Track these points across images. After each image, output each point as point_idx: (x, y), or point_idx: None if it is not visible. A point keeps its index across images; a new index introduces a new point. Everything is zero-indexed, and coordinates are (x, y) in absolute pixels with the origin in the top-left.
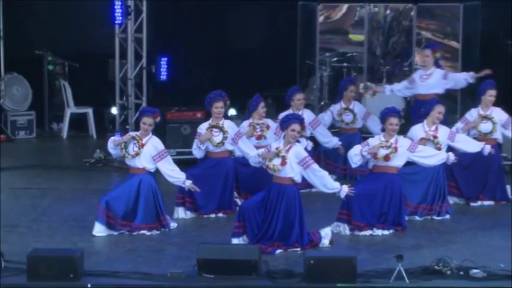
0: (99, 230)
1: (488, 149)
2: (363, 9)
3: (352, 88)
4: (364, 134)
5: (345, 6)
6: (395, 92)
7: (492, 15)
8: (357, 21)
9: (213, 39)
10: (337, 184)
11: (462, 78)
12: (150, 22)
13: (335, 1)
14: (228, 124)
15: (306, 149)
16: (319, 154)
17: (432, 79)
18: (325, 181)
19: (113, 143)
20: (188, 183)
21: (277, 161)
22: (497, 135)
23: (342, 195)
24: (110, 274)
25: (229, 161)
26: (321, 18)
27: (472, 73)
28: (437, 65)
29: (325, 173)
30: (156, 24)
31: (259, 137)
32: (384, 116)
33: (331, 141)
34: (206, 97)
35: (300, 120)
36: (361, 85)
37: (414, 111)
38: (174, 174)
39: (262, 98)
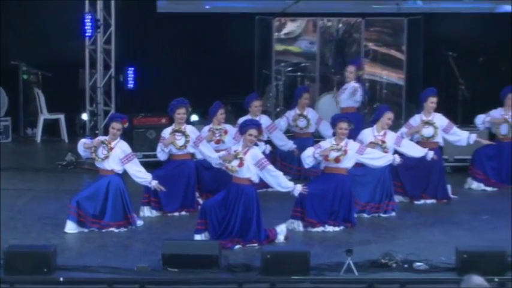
0: (71, 227)
1: (431, 154)
2: (317, 23)
3: (306, 95)
4: (316, 138)
5: (299, 20)
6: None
7: (434, 28)
8: (310, 34)
9: (176, 51)
10: (291, 183)
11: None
12: (118, 34)
13: (289, 16)
14: (189, 129)
15: (264, 152)
16: (276, 156)
17: (345, 94)
18: (279, 180)
19: (82, 146)
20: (154, 183)
21: (235, 163)
22: (439, 139)
23: (296, 193)
24: (80, 268)
25: (191, 163)
26: (277, 31)
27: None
28: (358, 80)
29: (280, 173)
30: (124, 36)
31: (217, 141)
32: (335, 121)
33: (286, 144)
34: (169, 104)
35: (257, 125)
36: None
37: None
38: (141, 175)
39: (221, 105)
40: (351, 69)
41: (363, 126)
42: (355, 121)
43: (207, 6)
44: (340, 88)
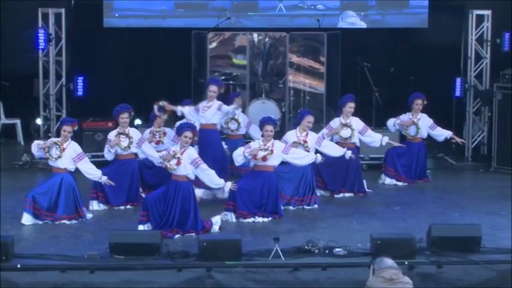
0: (27, 219)
1: (349, 154)
2: (246, 37)
3: (236, 100)
4: (247, 140)
5: (231, 34)
6: (184, 113)
7: (351, 42)
8: (241, 47)
9: (121, 62)
10: (222, 180)
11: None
12: (68, 47)
13: (222, 30)
14: (132, 131)
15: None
16: None
17: (210, 111)
18: (211, 178)
19: (37, 146)
20: (104, 179)
21: (174, 162)
22: (355, 140)
23: (226, 189)
24: (36, 256)
25: (134, 161)
26: (211, 44)
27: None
28: (217, 98)
29: (212, 172)
30: (74, 49)
31: (157, 142)
32: (262, 124)
33: None
34: (114, 109)
35: (191, 128)
36: (155, 107)
37: (198, 140)
38: (92, 172)
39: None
40: (213, 88)
41: (220, 143)
42: (214, 138)
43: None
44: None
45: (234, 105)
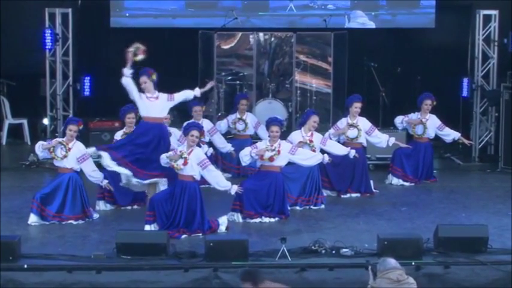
0: (34, 220)
1: (353, 153)
2: (252, 37)
3: (243, 102)
4: (254, 140)
5: (239, 34)
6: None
7: (357, 42)
8: (248, 47)
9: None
10: (228, 183)
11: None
12: (75, 47)
13: (228, 30)
14: None
15: (206, 154)
16: (218, 156)
17: (159, 101)
18: (218, 180)
19: (41, 147)
20: (105, 183)
21: (180, 162)
22: (362, 140)
23: (232, 192)
24: (42, 256)
25: None
26: (218, 44)
27: None
28: (156, 87)
29: (219, 173)
30: (80, 49)
31: None
32: (268, 124)
33: (225, 147)
34: (120, 109)
35: (198, 127)
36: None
37: (134, 131)
38: (95, 175)
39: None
40: (144, 79)
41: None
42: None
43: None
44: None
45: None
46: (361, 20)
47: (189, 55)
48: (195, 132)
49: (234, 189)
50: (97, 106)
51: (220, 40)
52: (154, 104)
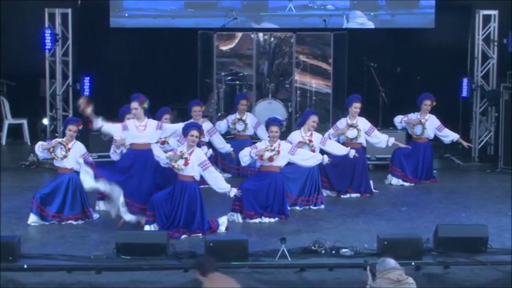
0: (34, 220)
1: (352, 152)
2: (252, 37)
3: (242, 102)
4: (254, 140)
5: (238, 35)
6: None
7: (357, 42)
8: (248, 47)
9: (127, 62)
10: (227, 185)
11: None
12: (75, 47)
13: (228, 30)
14: None
15: (205, 155)
16: (217, 156)
17: (148, 130)
18: (217, 181)
19: (41, 147)
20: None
21: (181, 162)
22: (362, 140)
23: (231, 194)
24: (42, 256)
25: None
26: (217, 44)
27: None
28: (147, 115)
29: (219, 175)
30: (80, 49)
31: (162, 143)
32: (267, 124)
33: (224, 147)
34: (120, 109)
35: (197, 127)
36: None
37: (118, 161)
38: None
39: (167, 110)
40: (135, 105)
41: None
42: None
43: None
44: None
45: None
46: (360, 20)
47: (189, 55)
48: (195, 132)
49: (233, 192)
50: (97, 106)
51: (219, 40)
52: (142, 134)
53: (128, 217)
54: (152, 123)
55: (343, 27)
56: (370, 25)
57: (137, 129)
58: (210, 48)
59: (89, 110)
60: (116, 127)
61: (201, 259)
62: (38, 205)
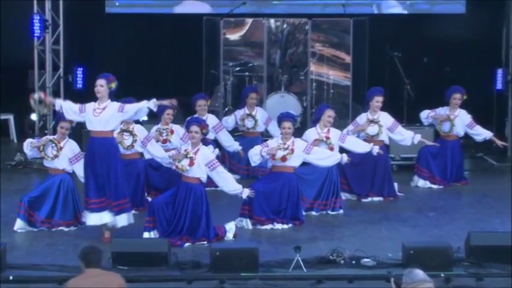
0: (21, 226)
1: (376, 149)
2: (263, 24)
3: (252, 95)
4: (265, 137)
5: (248, 21)
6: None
7: (379, 29)
8: (258, 35)
9: (125, 52)
10: (239, 186)
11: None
12: (66, 35)
13: (236, 16)
14: (137, 128)
15: None
16: (224, 155)
17: (106, 112)
18: (228, 182)
19: (30, 145)
20: None
21: (185, 162)
22: (384, 137)
23: (244, 195)
24: (30, 267)
25: (139, 162)
26: (224, 32)
27: None
28: (111, 98)
29: (229, 176)
30: (72, 36)
31: (164, 141)
32: (279, 120)
33: (232, 145)
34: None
35: (198, 122)
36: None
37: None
38: None
39: (170, 106)
40: (101, 82)
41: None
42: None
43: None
44: None
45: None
46: (391, 4)
47: (193, 44)
48: (194, 128)
49: (246, 192)
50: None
51: (227, 27)
52: (97, 118)
53: (91, 220)
54: (113, 105)
55: (365, 12)
56: (399, 10)
57: (94, 112)
58: (217, 36)
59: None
60: (73, 108)
61: (88, 249)
62: (25, 209)
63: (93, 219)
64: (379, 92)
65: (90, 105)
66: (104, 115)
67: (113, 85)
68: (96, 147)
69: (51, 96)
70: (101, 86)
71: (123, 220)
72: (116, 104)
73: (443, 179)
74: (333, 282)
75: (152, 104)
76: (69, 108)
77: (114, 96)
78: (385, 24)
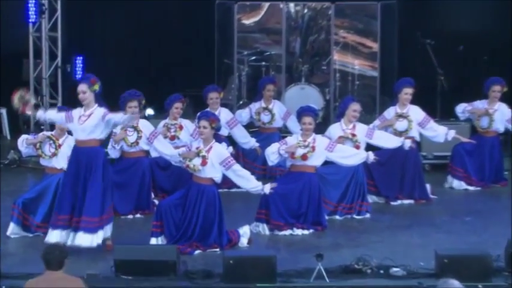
0: (14, 231)
1: (408, 143)
2: (281, 8)
3: (269, 87)
4: (284, 134)
5: (265, 5)
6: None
7: (409, 14)
8: (276, 20)
9: (129, 38)
10: (258, 183)
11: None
12: (64, 21)
13: (252, 0)
14: (142, 123)
15: None
16: (238, 152)
17: (91, 120)
18: (246, 180)
19: (25, 142)
20: None
21: (197, 161)
22: (414, 133)
23: (266, 191)
24: (24, 276)
25: (145, 160)
26: (239, 17)
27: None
28: (99, 102)
29: (247, 173)
30: (71, 22)
31: (172, 138)
32: (299, 115)
33: (248, 142)
34: (120, 96)
35: (207, 116)
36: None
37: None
38: None
39: (178, 98)
40: (83, 88)
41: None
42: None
43: None
44: None
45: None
46: None
47: (204, 31)
48: (202, 122)
49: (268, 188)
50: None
51: (241, 12)
52: (82, 126)
53: (52, 237)
54: (98, 112)
55: None
56: None
57: (79, 121)
58: (230, 22)
59: (29, 110)
60: (57, 118)
61: (49, 248)
62: (19, 212)
63: (54, 236)
64: (408, 83)
65: (76, 112)
66: (88, 123)
67: (96, 87)
68: (80, 158)
69: (48, 87)
70: (83, 92)
71: (86, 240)
72: (101, 111)
73: (480, 179)
74: None
75: (127, 119)
76: (55, 118)
77: (101, 97)
78: (416, 9)
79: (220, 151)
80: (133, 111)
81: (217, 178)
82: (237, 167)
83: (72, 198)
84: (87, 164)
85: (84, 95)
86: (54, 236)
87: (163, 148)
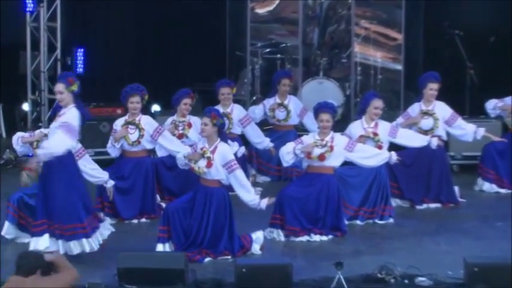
0: (9, 231)
1: (435, 141)
2: None
3: (285, 82)
4: (300, 132)
5: None
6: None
7: (436, 3)
8: (292, 10)
9: (133, 28)
10: (255, 197)
11: None
12: (64, 10)
13: None
14: (145, 120)
15: (235, 154)
16: (251, 152)
17: (56, 122)
18: (244, 191)
19: (21, 140)
20: (110, 185)
21: (202, 163)
22: (441, 132)
23: (263, 206)
24: None
25: (147, 160)
26: (252, 6)
27: None
28: (77, 103)
29: (247, 183)
30: (72, 12)
31: (180, 136)
32: (315, 112)
33: (262, 142)
34: (122, 91)
35: (208, 112)
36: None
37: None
38: (96, 174)
39: (187, 94)
40: (60, 88)
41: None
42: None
43: None
44: None
45: None
46: None
47: (215, 21)
48: (203, 119)
49: (264, 203)
50: (93, 87)
51: (255, 0)
52: (50, 127)
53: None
54: (71, 112)
55: None
56: None
57: (54, 121)
58: (243, 12)
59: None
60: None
61: (24, 253)
62: (15, 210)
63: (33, 243)
64: (433, 77)
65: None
66: (53, 125)
67: (75, 87)
68: (52, 160)
69: (47, 81)
70: (60, 93)
71: (75, 247)
72: (75, 112)
73: None
74: None
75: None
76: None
77: (80, 98)
78: None
79: (225, 152)
80: (134, 107)
81: (225, 180)
82: (240, 173)
83: (46, 201)
84: (58, 165)
85: (62, 96)
86: (33, 243)
87: (169, 144)
